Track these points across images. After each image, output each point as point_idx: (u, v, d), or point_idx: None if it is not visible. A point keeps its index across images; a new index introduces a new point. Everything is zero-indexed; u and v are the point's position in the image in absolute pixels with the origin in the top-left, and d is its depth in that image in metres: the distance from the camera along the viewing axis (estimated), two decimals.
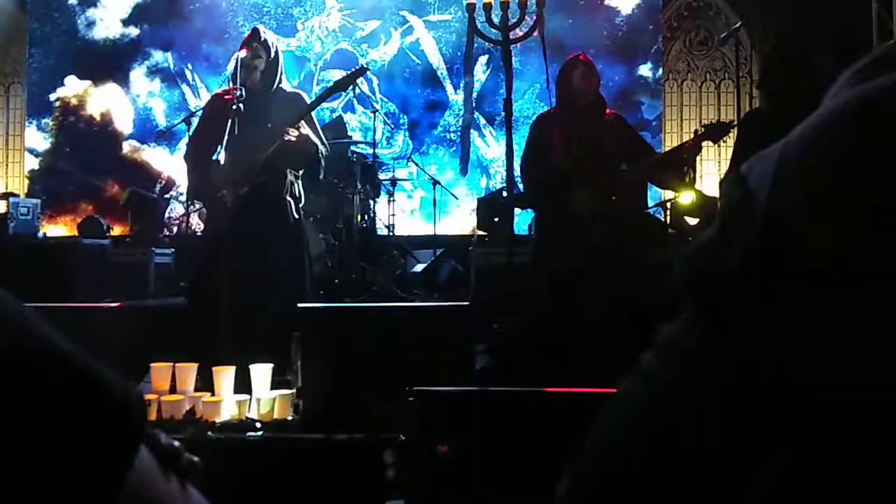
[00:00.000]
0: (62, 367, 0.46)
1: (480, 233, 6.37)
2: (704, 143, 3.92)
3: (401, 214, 7.01)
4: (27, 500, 0.43)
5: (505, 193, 4.75)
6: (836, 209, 0.39)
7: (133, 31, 8.42)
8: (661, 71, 8.15)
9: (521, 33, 3.71)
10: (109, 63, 8.42)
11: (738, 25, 4.47)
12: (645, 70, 8.13)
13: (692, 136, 4.10)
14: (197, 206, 5.73)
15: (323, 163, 3.89)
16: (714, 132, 3.89)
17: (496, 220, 6.08)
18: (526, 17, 3.67)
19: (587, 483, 0.48)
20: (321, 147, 3.82)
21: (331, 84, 3.97)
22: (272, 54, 3.83)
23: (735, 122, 4.00)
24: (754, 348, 0.41)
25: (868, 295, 0.37)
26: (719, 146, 5.83)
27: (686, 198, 5.32)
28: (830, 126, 0.44)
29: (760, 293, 0.40)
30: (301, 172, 3.89)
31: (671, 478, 0.44)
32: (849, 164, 0.40)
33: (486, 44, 4.15)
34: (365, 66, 4.58)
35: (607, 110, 4.03)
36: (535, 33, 3.73)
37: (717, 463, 0.42)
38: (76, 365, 0.46)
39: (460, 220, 7.77)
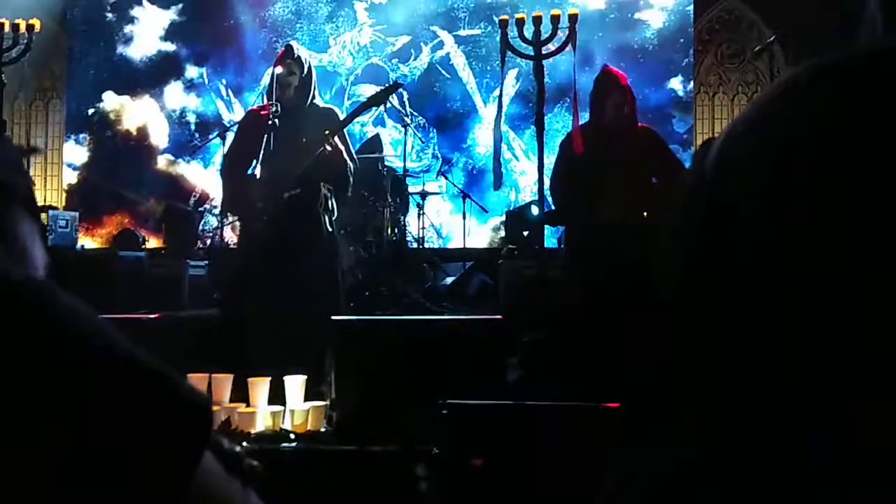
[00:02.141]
0: (142, 369, 0.49)
1: (510, 246, 6.36)
2: None
3: (430, 227, 7.03)
4: (101, 492, 0.45)
5: (535, 207, 4.75)
6: (766, 195, 0.40)
7: (169, 48, 8.59)
8: (692, 84, 8.10)
9: (553, 48, 3.73)
10: (146, 79, 8.59)
11: (771, 39, 4.44)
12: (676, 83, 8.09)
13: None
14: (230, 219, 5.81)
15: (352, 179, 3.93)
16: None
17: (525, 233, 6.08)
18: (558, 31, 3.68)
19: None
20: (350, 164, 3.87)
21: (364, 99, 4.02)
22: (305, 70, 3.89)
23: None
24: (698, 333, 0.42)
25: (805, 280, 0.38)
26: None
27: None
28: (759, 111, 0.45)
29: (703, 279, 0.42)
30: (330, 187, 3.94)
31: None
32: (772, 148, 0.41)
33: (517, 58, 4.17)
34: (398, 81, 4.63)
35: (639, 124, 4.03)
36: (567, 48, 3.74)
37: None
38: (153, 368, 0.49)
39: (490, 233, 7.77)
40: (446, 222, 8.02)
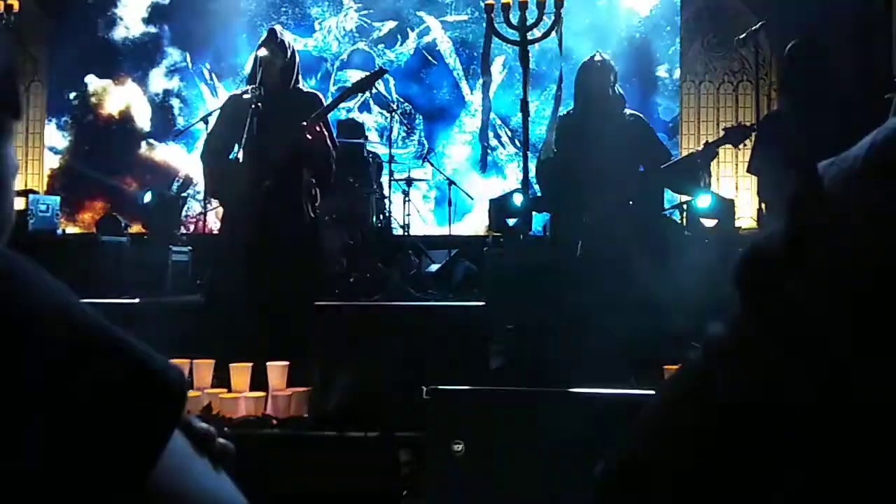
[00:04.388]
0: (113, 343, 0.48)
1: (495, 234, 6.36)
2: (723, 147, 3.90)
3: (416, 214, 7.02)
4: (70, 466, 0.44)
5: (518, 195, 4.75)
6: None
7: (152, 31, 8.49)
8: (678, 72, 8.11)
9: (538, 34, 3.71)
10: (128, 62, 8.50)
11: (757, 27, 4.44)
12: (662, 71, 8.10)
13: (706, 142, 4.08)
14: (213, 204, 5.77)
15: (334, 167, 3.90)
16: (734, 136, 3.87)
17: (508, 221, 6.08)
18: (544, 17, 3.67)
19: (625, 471, 0.48)
20: (332, 151, 3.84)
21: (349, 85, 3.99)
22: (289, 54, 3.85)
23: (755, 126, 3.98)
24: (827, 361, 0.39)
25: None
26: (737, 149, 5.80)
27: (703, 201, 5.30)
28: None
29: (846, 308, 0.39)
30: (313, 172, 3.91)
31: (698, 479, 0.43)
32: None
33: (503, 44, 4.15)
34: (384, 67, 4.59)
35: (626, 110, 4.02)
36: (553, 34, 3.73)
37: (747, 468, 0.42)
38: (124, 342, 0.48)
39: (475, 220, 7.77)
40: (431, 209, 8.01)
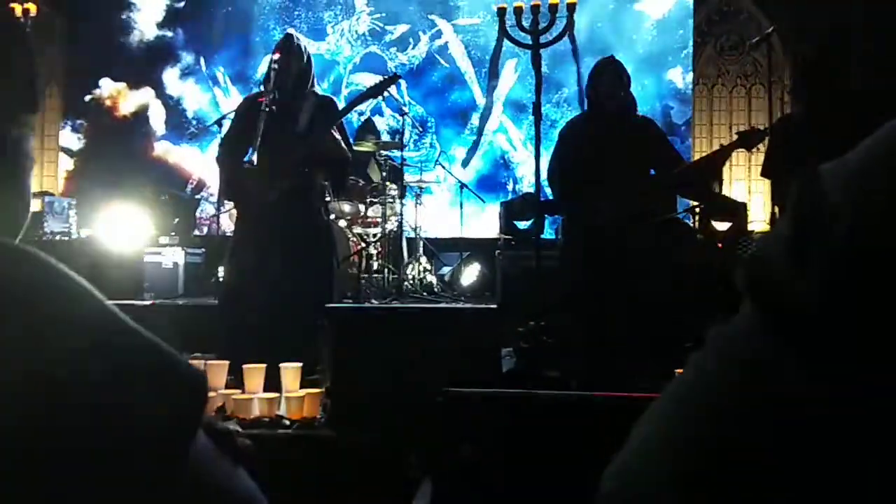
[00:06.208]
0: (138, 339, 0.49)
1: (506, 236, 6.37)
2: (736, 150, 3.89)
3: (427, 217, 7.03)
4: (100, 457, 0.45)
5: (530, 198, 4.75)
6: None
7: (167, 34, 8.55)
8: (691, 76, 8.09)
9: (551, 37, 3.71)
10: (143, 65, 8.56)
11: (770, 30, 4.42)
12: (675, 75, 8.08)
13: (719, 146, 4.07)
14: (227, 206, 5.80)
15: (350, 169, 3.92)
16: (747, 139, 3.86)
17: (518, 223, 6.08)
18: (556, 20, 3.67)
19: (623, 476, 0.48)
20: (348, 155, 3.86)
21: (361, 88, 4.01)
22: (304, 58, 3.88)
23: (768, 129, 3.97)
24: (834, 364, 0.39)
25: None
26: (751, 153, 5.78)
27: (715, 204, 5.29)
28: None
29: (846, 308, 0.39)
30: (329, 176, 3.94)
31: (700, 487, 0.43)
32: None
33: (515, 47, 4.15)
34: (397, 73, 4.61)
35: (638, 114, 4.02)
36: (566, 37, 3.73)
37: (750, 478, 0.42)
38: (148, 339, 0.50)
39: (487, 223, 7.78)
40: (443, 212, 8.02)
